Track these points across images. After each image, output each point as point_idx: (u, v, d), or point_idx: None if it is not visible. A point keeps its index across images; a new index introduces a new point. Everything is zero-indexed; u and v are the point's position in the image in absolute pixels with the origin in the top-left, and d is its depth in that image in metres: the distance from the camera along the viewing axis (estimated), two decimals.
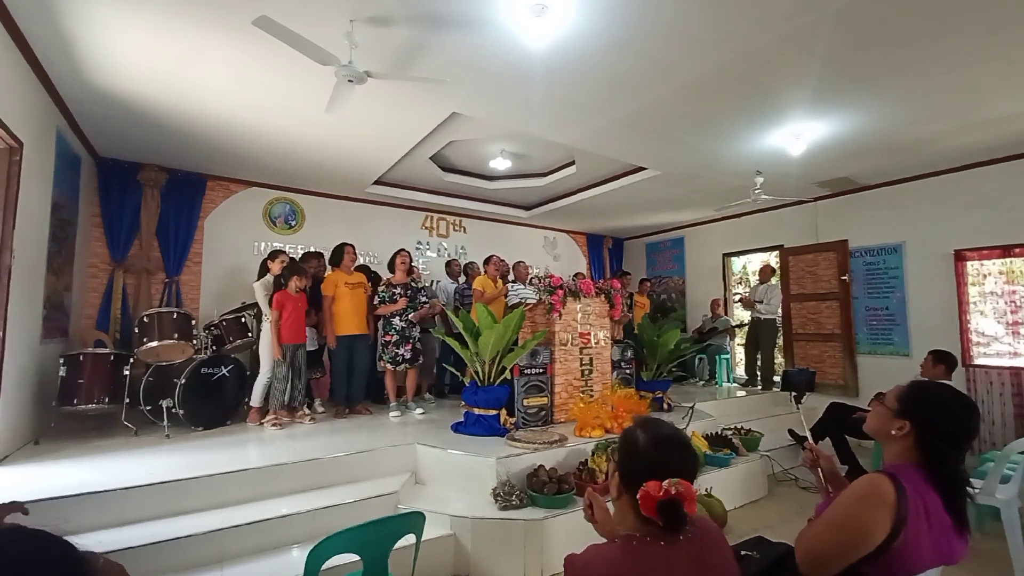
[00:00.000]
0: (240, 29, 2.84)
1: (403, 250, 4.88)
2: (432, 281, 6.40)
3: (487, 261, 5.63)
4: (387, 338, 4.59)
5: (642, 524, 1.08)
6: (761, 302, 6.19)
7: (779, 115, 4.02)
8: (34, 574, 0.60)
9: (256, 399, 4.22)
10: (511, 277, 6.02)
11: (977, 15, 2.74)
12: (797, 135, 4.31)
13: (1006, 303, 5.01)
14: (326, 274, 4.81)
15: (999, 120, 4.12)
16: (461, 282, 6.07)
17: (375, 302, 4.67)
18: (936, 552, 1.20)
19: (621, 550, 1.07)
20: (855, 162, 5.14)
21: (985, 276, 5.18)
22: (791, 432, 4.82)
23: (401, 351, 4.57)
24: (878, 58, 3.17)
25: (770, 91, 3.62)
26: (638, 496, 1.06)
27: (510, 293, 5.50)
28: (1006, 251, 4.94)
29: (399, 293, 4.64)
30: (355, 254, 4.81)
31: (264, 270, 4.53)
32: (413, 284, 4.83)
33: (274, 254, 4.58)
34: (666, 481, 1.03)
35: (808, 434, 2.04)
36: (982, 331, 5.18)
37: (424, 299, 4.90)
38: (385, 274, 5.13)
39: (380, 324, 4.70)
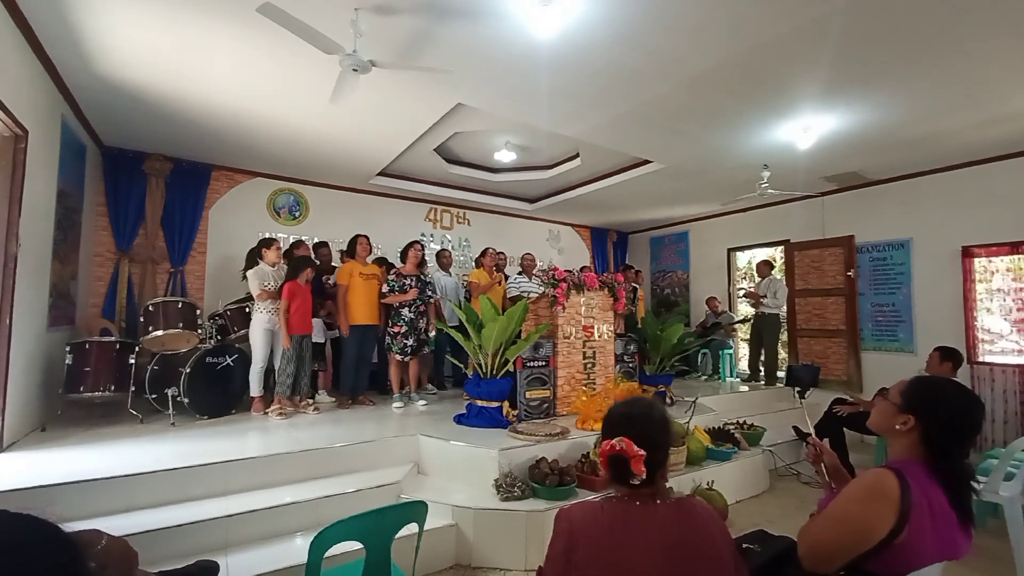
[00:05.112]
0: (245, 17, 2.83)
1: (418, 242, 4.89)
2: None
3: (482, 254, 5.69)
4: (396, 329, 4.59)
5: (620, 487, 1.23)
6: (765, 296, 6.17)
7: (788, 108, 3.98)
8: (23, 557, 0.60)
9: (255, 388, 4.24)
10: (516, 269, 6.02)
11: (992, 9, 2.69)
12: (806, 128, 4.27)
13: (1013, 300, 4.97)
14: (341, 264, 4.83)
15: (1013, 116, 4.06)
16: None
17: (384, 290, 4.68)
18: (940, 547, 1.20)
19: (601, 506, 1.22)
20: (864, 156, 5.08)
21: (993, 273, 5.13)
22: (795, 428, 4.81)
23: (410, 342, 4.59)
24: (890, 51, 3.12)
25: (779, 84, 3.58)
26: (599, 454, 1.24)
27: (511, 284, 5.51)
28: (1014, 248, 4.89)
29: (410, 284, 4.65)
30: (369, 245, 4.83)
31: (254, 260, 4.44)
32: (423, 277, 4.84)
33: (269, 242, 4.46)
34: (614, 439, 1.19)
35: (811, 430, 2.04)
36: (988, 328, 5.15)
37: (430, 293, 4.91)
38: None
39: (389, 315, 4.70)
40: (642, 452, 1.16)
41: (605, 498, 1.25)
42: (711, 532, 1.19)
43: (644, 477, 1.17)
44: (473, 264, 6.62)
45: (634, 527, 1.15)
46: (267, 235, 5.60)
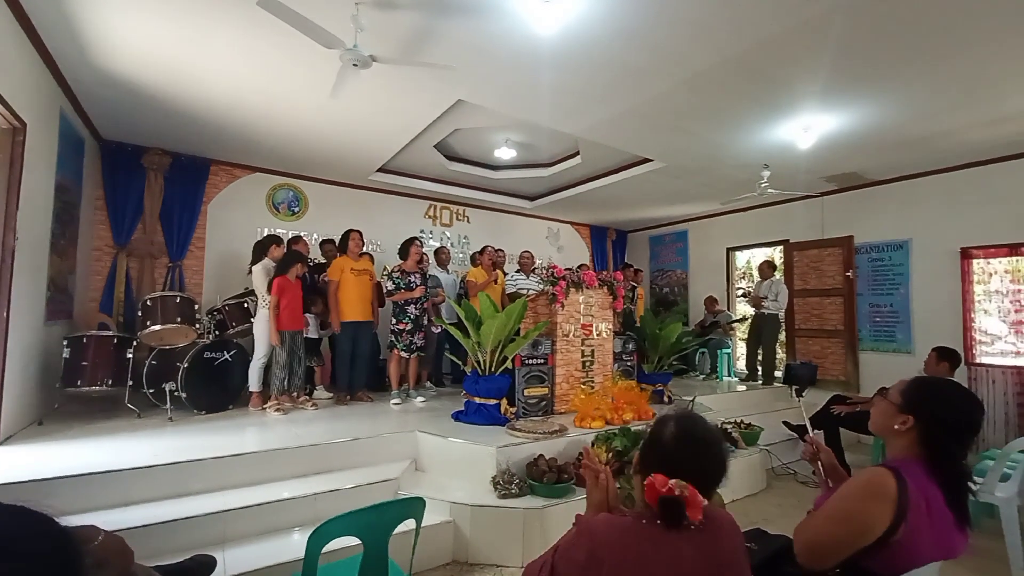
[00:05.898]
0: (245, 11, 2.81)
1: (417, 239, 4.88)
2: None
3: (481, 252, 5.67)
4: (401, 326, 4.59)
5: (651, 507, 1.08)
6: (766, 298, 6.17)
7: (789, 107, 3.98)
8: (18, 551, 0.59)
9: (254, 383, 4.25)
10: (515, 266, 6.02)
11: (992, 8, 2.69)
12: (806, 128, 4.27)
13: (1011, 302, 4.98)
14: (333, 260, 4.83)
15: (1012, 116, 4.06)
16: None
17: (389, 287, 4.67)
18: (936, 546, 1.20)
19: (632, 526, 1.07)
20: (864, 157, 5.09)
21: (991, 275, 5.14)
22: (786, 423, 4.82)
23: (415, 339, 4.60)
24: (890, 51, 3.12)
25: (781, 82, 3.58)
26: (644, 483, 1.07)
27: (508, 282, 5.51)
28: (1013, 250, 4.90)
29: (415, 282, 4.64)
30: (361, 240, 4.82)
31: (260, 255, 4.49)
32: (425, 273, 4.83)
33: (278, 240, 4.56)
34: (673, 480, 1.02)
35: (808, 423, 2.04)
36: (986, 330, 5.16)
37: (430, 287, 4.91)
38: (382, 262, 5.13)
39: (393, 311, 4.69)
40: (705, 501, 1.02)
41: (635, 517, 1.09)
42: (739, 552, 1.13)
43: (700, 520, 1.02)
44: (469, 262, 6.64)
45: (669, 556, 1.02)
46: (273, 231, 5.76)
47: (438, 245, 6.58)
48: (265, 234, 5.75)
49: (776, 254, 7.39)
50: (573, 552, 1.09)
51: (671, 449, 1.10)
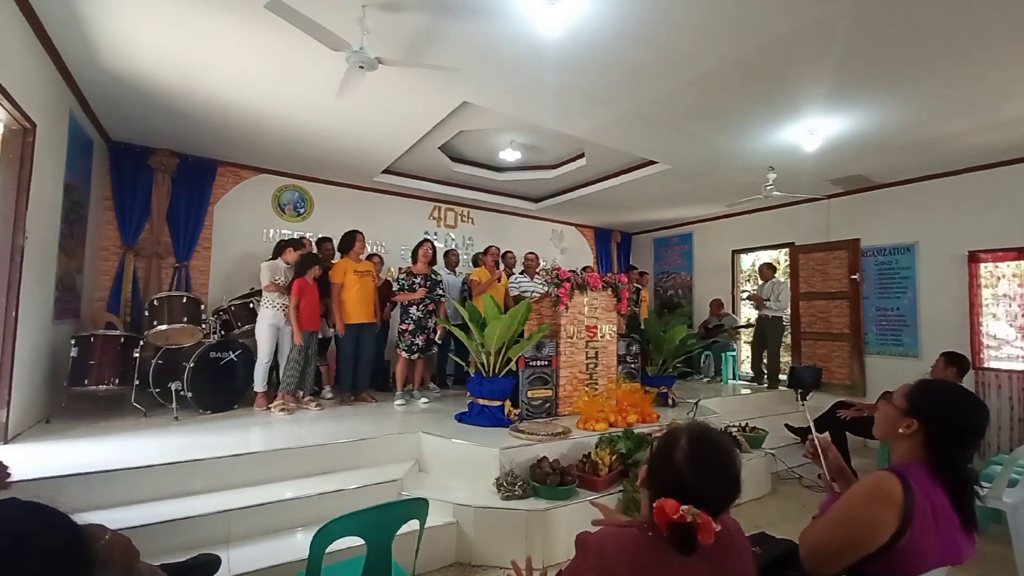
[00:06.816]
0: (253, 13, 2.83)
1: (427, 241, 4.90)
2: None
3: (485, 252, 5.67)
4: (403, 326, 4.62)
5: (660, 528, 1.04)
6: (768, 300, 6.15)
7: (794, 110, 3.96)
8: (34, 545, 0.60)
9: (259, 384, 4.27)
10: (519, 268, 6.01)
11: (997, 12, 2.67)
12: (812, 131, 4.25)
13: (1019, 306, 4.93)
14: (334, 261, 4.85)
15: (1019, 119, 4.02)
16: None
17: (395, 288, 4.69)
18: (942, 552, 1.19)
19: (642, 541, 1.02)
20: (870, 160, 5.06)
21: (999, 279, 5.10)
22: (788, 426, 4.80)
23: (417, 340, 4.62)
24: (898, 53, 3.10)
25: (786, 85, 3.57)
26: (653, 505, 1.02)
27: (512, 284, 5.51)
28: (1021, 253, 4.86)
29: (419, 283, 4.67)
30: (365, 242, 4.83)
31: (276, 255, 4.57)
32: (433, 276, 4.85)
33: (294, 243, 4.61)
34: (685, 507, 0.97)
35: (812, 425, 2.03)
36: (993, 334, 5.11)
37: (440, 292, 4.91)
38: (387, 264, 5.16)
39: (397, 312, 4.72)
40: (718, 527, 0.97)
41: (641, 529, 1.05)
42: (750, 562, 1.12)
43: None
44: (471, 263, 6.64)
45: (679, 570, 1.01)
46: (279, 232, 5.90)
47: (444, 247, 6.59)
48: (271, 235, 5.84)
49: (781, 257, 7.36)
50: (583, 574, 1.04)
51: (683, 473, 1.03)
